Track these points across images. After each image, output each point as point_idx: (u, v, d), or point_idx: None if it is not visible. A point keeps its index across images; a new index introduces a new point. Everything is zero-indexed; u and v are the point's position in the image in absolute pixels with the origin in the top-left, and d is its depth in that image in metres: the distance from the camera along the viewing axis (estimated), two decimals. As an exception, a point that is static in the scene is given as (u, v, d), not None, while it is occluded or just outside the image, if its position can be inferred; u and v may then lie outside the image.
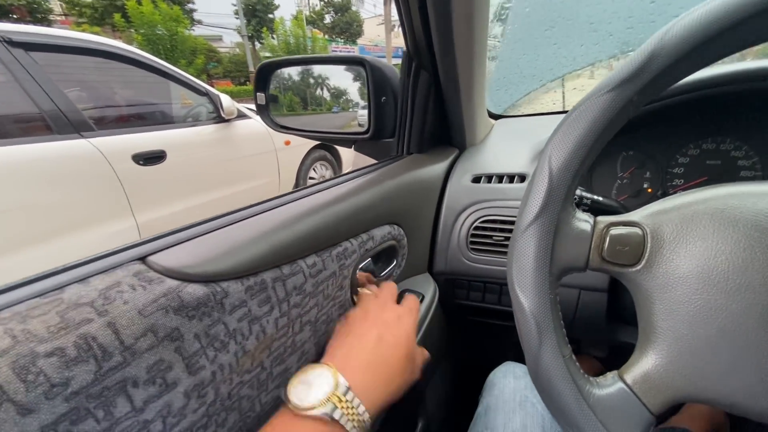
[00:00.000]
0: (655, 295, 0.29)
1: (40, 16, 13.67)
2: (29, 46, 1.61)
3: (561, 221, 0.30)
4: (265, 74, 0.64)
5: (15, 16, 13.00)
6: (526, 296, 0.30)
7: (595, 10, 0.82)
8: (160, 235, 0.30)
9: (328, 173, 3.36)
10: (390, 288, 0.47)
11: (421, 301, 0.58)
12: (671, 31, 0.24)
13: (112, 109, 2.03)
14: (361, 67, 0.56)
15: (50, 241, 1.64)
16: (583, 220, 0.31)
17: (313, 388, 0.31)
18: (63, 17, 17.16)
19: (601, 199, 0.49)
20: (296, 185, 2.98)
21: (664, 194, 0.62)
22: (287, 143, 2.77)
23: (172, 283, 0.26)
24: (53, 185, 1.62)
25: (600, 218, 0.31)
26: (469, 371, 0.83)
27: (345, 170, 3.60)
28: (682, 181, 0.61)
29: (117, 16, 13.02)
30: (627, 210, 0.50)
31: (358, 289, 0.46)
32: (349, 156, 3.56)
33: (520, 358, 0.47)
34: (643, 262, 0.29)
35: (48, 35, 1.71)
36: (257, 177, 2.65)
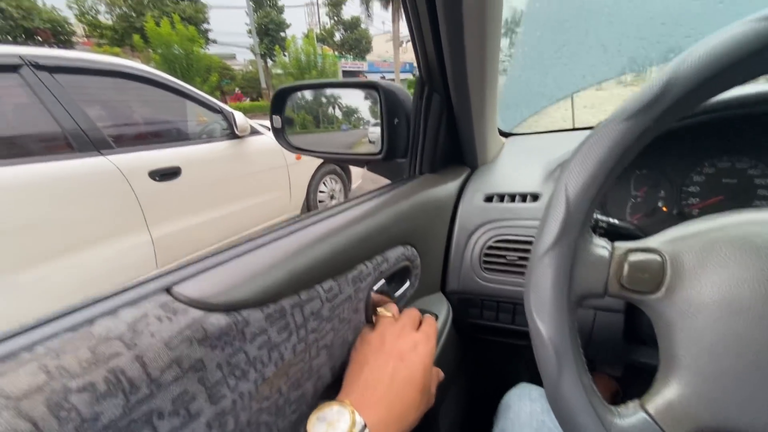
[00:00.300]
0: (677, 323, 0.28)
1: (63, 38, 14.33)
2: (54, 69, 1.69)
3: (578, 247, 0.30)
4: (282, 98, 0.66)
5: (39, 39, 13.66)
6: (545, 323, 0.30)
7: (605, 31, 0.83)
8: (183, 265, 0.31)
9: (338, 187, 3.39)
10: (411, 315, 0.46)
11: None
12: (687, 61, 0.25)
13: (130, 127, 2.09)
14: (375, 91, 0.57)
15: (69, 255, 1.69)
16: (600, 246, 0.31)
17: (332, 427, 0.32)
18: (85, 38, 17.96)
19: (617, 222, 0.49)
20: (306, 199, 3.02)
21: (680, 213, 0.61)
22: (298, 158, 2.82)
23: (196, 313, 0.27)
24: (73, 201, 1.67)
25: (618, 244, 0.31)
26: (483, 392, 0.82)
27: (354, 184, 3.63)
28: (698, 199, 0.61)
29: (136, 37, 13.58)
30: (644, 233, 0.49)
31: (378, 309, 0.46)
32: (358, 170, 3.59)
33: (535, 378, 0.46)
34: (663, 290, 0.29)
35: (71, 59, 1.79)
36: (269, 191, 2.70)
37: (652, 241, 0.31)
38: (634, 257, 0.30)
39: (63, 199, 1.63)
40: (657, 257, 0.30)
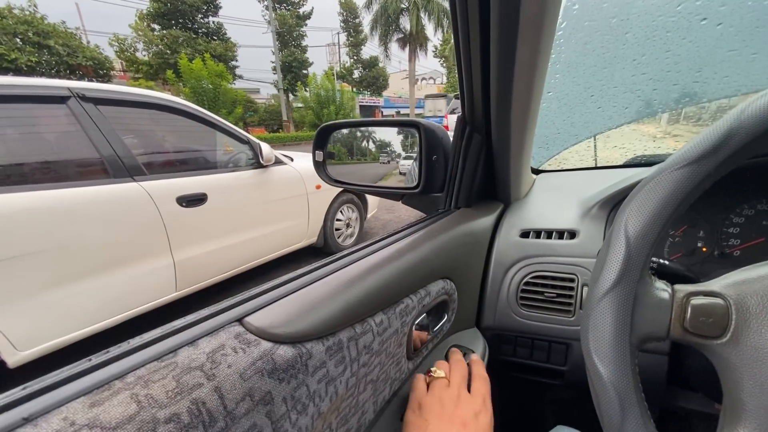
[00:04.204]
0: (744, 369, 0.28)
1: (103, 73, 15.45)
2: (98, 101, 1.82)
3: (639, 290, 0.30)
4: (325, 134, 0.70)
5: (80, 73, 14.73)
6: (606, 366, 0.29)
7: (625, 74, 0.86)
8: (252, 296, 0.32)
9: (354, 215, 3.44)
10: (461, 371, 0.46)
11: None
12: (747, 111, 0.26)
13: (162, 154, 2.20)
14: (415, 129, 0.60)
15: (94, 276, 1.73)
16: (661, 289, 0.31)
17: None
18: (122, 73, 19.35)
19: (667, 263, 0.48)
20: (323, 226, 3.05)
21: (722, 254, 0.61)
22: (318, 187, 2.89)
23: (266, 345, 0.28)
24: (103, 224, 1.74)
25: (678, 287, 0.31)
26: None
27: (369, 213, 3.67)
28: (739, 241, 0.60)
29: (169, 72, 14.56)
30: (694, 276, 0.48)
31: (430, 369, 0.46)
32: (374, 200, 3.64)
33: (564, 420, 0.44)
34: (729, 335, 0.28)
35: (114, 91, 1.92)
36: (288, 219, 2.75)
37: (714, 285, 0.30)
38: (697, 301, 0.30)
39: (94, 222, 1.70)
40: (720, 301, 0.29)
